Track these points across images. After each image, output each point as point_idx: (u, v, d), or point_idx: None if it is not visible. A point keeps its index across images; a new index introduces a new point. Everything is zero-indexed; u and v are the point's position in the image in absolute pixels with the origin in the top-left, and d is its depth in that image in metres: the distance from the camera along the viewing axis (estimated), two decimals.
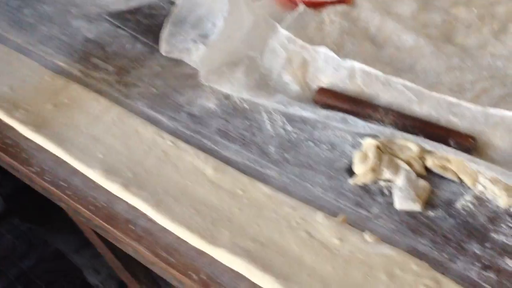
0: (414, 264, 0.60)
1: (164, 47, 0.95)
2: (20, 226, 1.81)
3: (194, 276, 0.61)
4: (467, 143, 0.75)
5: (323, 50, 0.88)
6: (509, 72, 0.89)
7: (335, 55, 0.87)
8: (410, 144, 0.76)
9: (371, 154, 0.73)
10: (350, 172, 0.74)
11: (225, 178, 0.72)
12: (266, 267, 0.60)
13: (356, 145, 0.78)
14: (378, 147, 0.75)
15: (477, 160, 0.72)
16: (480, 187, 0.71)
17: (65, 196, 0.70)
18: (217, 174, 0.72)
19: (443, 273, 0.60)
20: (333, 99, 0.84)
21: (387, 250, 0.62)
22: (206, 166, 0.73)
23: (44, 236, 1.76)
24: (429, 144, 0.75)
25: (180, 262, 0.62)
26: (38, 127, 0.80)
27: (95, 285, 1.56)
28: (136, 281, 0.81)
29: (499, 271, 0.61)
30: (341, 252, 0.62)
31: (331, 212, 0.68)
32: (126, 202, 0.69)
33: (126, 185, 0.70)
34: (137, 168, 0.73)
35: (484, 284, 0.59)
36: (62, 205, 0.74)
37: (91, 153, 0.75)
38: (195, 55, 0.93)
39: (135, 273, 0.82)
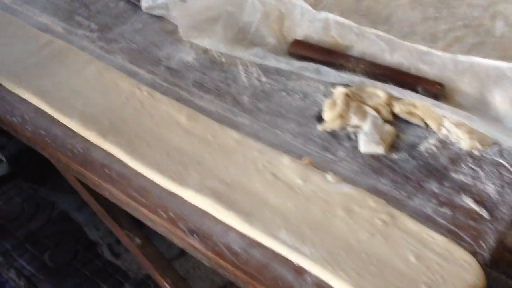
0: (372, 201, 0.63)
1: (144, 4, 0.97)
2: (27, 189, 1.87)
3: (163, 215, 0.64)
4: (434, 89, 0.77)
5: (299, 3, 0.89)
6: (484, 22, 0.90)
7: (310, 8, 0.88)
8: (379, 91, 0.77)
9: (340, 101, 0.76)
10: (320, 119, 0.77)
11: (198, 126, 0.74)
12: (230, 205, 0.63)
13: (327, 94, 0.80)
14: (347, 95, 0.77)
15: (443, 105, 0.74)
16: (444, 131, 0.73)
17: (45, 144, 0.74)
18: (190, 122, 0.75)
19: (400, 210, 0.62)
20: (307, 51, 0.86)
21: (347, 189, 0.65)
22: (180, 114, 0.76)
23: (48, 197, 1.83)
24: (397, 91, 0.77)
25: (151, 202, 0.65)
26: (20, 80, 0.83)
27: (95, 241, 1.62)
28: (119, 226, 0.85)
29: (454, 207, 0.63)
30: (303, 191, 0.65)
31: (298, 157, 0.70)
32: (102, 149, 0.72)
33: (102, 133, 0.73)
34: (114, 117, 0.76)
35: (438, 219, 0.62)
36: (45, 154, 0.77)
37: (71, 104, 0.78)
38: (175, 12, 0.95)
39: (117, 219, 0.86)
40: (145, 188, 0.67)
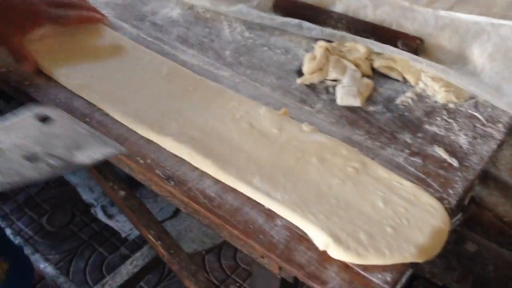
0: (344, 150, 0.64)
1: None
2: None
3: (141, 161, 0.65)
4: (413, 44, 0.77)
5: None
6: None
7: None
8: (359, 46, 0.78)
9: (319, 55, 0.76)
10: (300, 74, 0.77)
11: (179, 78, 0.75)
12: (206, 152, 0.65)
13: (309, 50, 0.81)
14: (327, 49, 0.77)
15: (421, 59, 0.75)
16: (421, 85, 0.74)
17: (29, 95, 0.75)
18: (171, 74, 0.76)
19: (372, 158, 0.64)
20: (291, 7, 0.87)
21: (321, 138, 0.66)
22: (162, 67, 0.77)
23: None
24: (377, 46, 0.78)
25: (130, 149, 0.67)
26: None
27: (90, 202, 1.65)
28: (104, 179, 0.87)
29: (425, 156, 0.65)
30: (278, 140, 0.66)
31: (276, 108, 0.71)
32: (84, 99, 0.73)
33: (84, 84, 0.74)
34: (95, 70, 0.77)
35: (409, 167, 0.63)
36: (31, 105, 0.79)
37: (54, 56, 0.79)
38: None
39: (101, 172, 0.88)
40: (124, 136, 0.68)
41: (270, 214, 0.59)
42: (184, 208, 0.64)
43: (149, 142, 0.68)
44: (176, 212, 1.64)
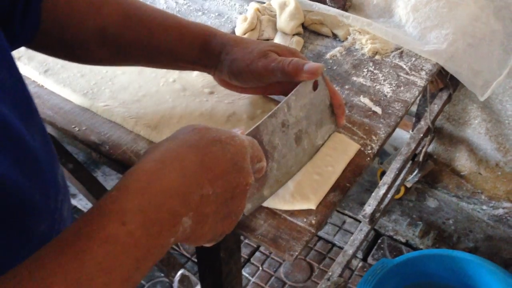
0: (274, 105, 0.66)
1: None
2: None
3: (77, 129, 0.67)
4: (342, 1, 0.79)
5: None
6: None
7: None
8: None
9: (250, 15, 0.78)
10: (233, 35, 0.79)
11: None
12: (139, 116, 0.66)
13: (243, 12, 0.82)
14: (258, 10, 0.79)
15: (348, 14, 0.77)
16: (350, 40, 0.76)
17: None
18: None
19: None
20: None
21: (252, 96, 0.68)
22: None
23: None
24: (306, 3, 0.79)
25: (64, 118, 0.68)
26: None
27: None
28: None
29: (351, 106, 0.67)
30: (210, 100, 0.68)
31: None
32: None
33: (17, 57, 0.74)
34: None
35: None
36: None
37: None
38: None
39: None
40: (59, 106, 0.69)
41: None
42: (118, 170, 0.65)
43: (84, 110, 0.69)
44: None
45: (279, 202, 0.57)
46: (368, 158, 0.61)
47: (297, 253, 0.53)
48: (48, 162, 0.44)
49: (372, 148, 0.62)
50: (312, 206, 0.56)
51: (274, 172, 0.55)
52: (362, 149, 0.61)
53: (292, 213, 0.56)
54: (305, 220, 0.55)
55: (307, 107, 0.57)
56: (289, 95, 0.55)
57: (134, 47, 0.60)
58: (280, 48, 0.58)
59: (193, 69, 0.64)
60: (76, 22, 0.58)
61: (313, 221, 0.55)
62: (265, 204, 0.56)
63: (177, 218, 0.39)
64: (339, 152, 0.61)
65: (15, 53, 0.74)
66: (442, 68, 0.73)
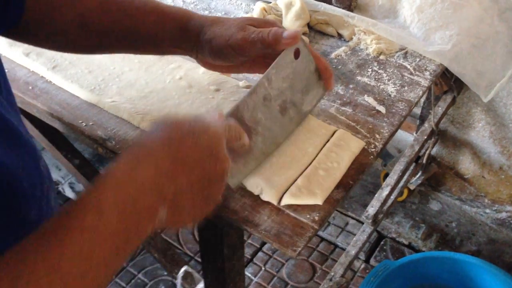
0: None
1: None
2: None
3: (84, 124, 0.67)
4: (347, 1, 0.80)
5: None
6: None
7: None
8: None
9: (256, 15, 0.78)
10: None
11: None
12: (146, 112, 0.67)
13: (249, 11, 0.83)
14: (264, 9, 0.79)
15: (353, 14, 0.78)
16: (355, 40, 0.77)
17: None
18: None
19: None
20: None
21: None
22: None
23: None
24: (312, 3, 0.80)
25: (72, 113, 0.69)
26: None
27: (57, 180, 1.66)
28: (55, 147, 0.89)
29: (356, 105, 0.68)
30: (216, 98, 0.69)
31: None
32: (27, 68, 0.75)
33: (26, 53, 0.75)
34: None
35: (339, 116, 0.66)
36: None
37: None
38: None
39: (54, 141, 0.90)
40: (66, 101, 0.70)
41: None
42: None
43: (91, 105, 0.70)
44: None
45: (286, 196, 0.57)
46: (372, 157, 0.61)
47: (300, 249, 0.53)
48: (30, 149, 0.46)
49: (375, 146, 0.63)
50: (319, 201, 0.57)
51: (259, 145, 0.57)
52: (366, 147, 0.62)
53: (295, 209, 0.57)
54: (308, 216, 0.56)
55: (290, 77, 0.58)
56: (268, 68, 0.56)
57: (114, 33, 0.61)
58: (257, 20, 0.59)
59: (175, 53, 0.63)
60: (57, 9, 0.59)
61: (316, 217, 0.56)
62: (271, 199, 0.57)
63: (153, 210, 0.42)
64: (344, 149, 0.61)
65: (24, 50, 0.75)
66: (447, 70, 0.73)
